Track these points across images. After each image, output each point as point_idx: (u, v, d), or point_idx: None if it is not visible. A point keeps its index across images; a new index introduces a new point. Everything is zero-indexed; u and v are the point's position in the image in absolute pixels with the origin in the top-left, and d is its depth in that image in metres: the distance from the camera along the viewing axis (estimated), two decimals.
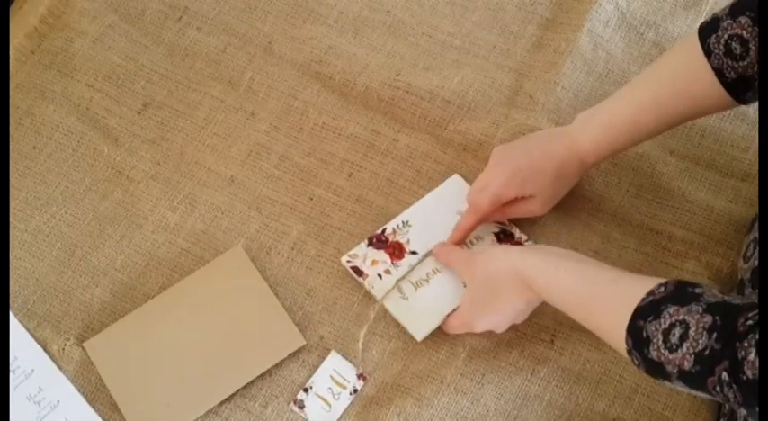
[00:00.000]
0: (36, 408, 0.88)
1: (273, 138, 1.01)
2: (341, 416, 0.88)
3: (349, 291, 0.94)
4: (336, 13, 1.08)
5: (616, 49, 1.05)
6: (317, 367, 0.90)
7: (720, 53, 0.80)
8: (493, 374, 0.89)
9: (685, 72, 0.83)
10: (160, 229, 0.97)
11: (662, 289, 0.68)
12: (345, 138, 1.01)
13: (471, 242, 0.95)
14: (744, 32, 0.78)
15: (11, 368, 0.89)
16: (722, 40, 0.79)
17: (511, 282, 0.82)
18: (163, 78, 1.04)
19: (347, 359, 0.90)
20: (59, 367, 0.90)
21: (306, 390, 0.89)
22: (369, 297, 0.93)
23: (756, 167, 0.98)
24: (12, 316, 0.92)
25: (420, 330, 0.90)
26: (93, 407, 0.89)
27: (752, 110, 1.00)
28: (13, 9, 1.07)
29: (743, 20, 0.78)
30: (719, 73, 0.80)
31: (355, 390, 0.89)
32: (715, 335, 0.62)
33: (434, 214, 0.95)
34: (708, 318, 0.63)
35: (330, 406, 0.88)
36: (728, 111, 1.00)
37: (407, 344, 0.91)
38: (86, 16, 1.06)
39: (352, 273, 0.93)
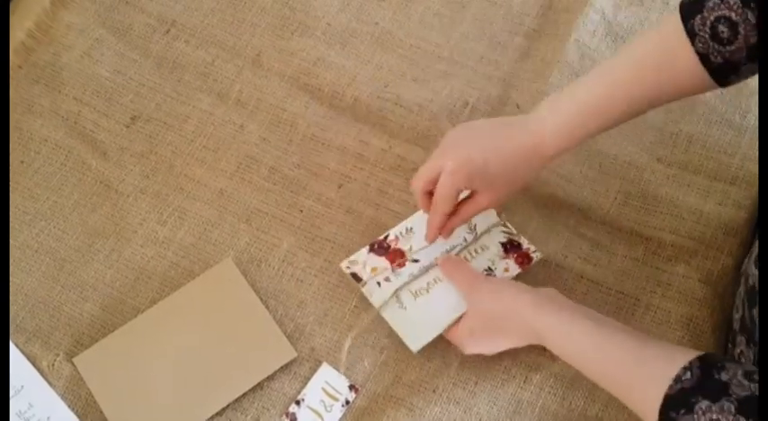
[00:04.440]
0: None
1: (263, 151, 1.01)
2: None
3: (340, 302, 0.93)
4: (324, 24, 1.08)
5: (603, 58, 1.05)
6: (308, 379, 0.90)
7: (706, 37, 0.73)
8: (485, 383, 0.89)
9: (664, 55, 0.77)
10: (149, 243, 0.96)
11: (688, 374, 0.66)
12: (335, 149, 1.01)
13: (476, 251, 0.92)
14: (732, 14, 0.71)
15: None
16: (708, 22, 0.72)
17: (518, 328, 0.81)
18: (151, 91, 1.04)
19: (339, 371, 0.90)
20: (49, 383, 0.89)
21: (298, 403, 0.89)
22: (362, 304, 0.92)
23: (744, 171, 0.98)
24: None
25: (416, 342, 0.88)
26: None
27: (737, 116, 1.01)
28: None
29: None
30: (704, 58, 0.74)
31: (347, 402, 0.89)
32: None
33: None
34: None
35: (322, 418, 0.88)
36: (715, 118, 1.01)
37: (399, 355, 0.91)
38: (74, 30, 1.06)
39: (351, 278, 0.92)
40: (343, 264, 0.92)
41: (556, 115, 0.82)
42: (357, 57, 1.07)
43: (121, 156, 1.01)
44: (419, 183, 0.86)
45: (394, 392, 0.89)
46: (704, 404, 0.63)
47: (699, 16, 0.73)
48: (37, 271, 0.95)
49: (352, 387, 0.89)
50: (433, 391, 0.89)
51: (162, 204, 0.98)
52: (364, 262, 0.92)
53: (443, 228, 0.88)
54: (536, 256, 0.92)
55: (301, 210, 0.98)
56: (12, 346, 0.90)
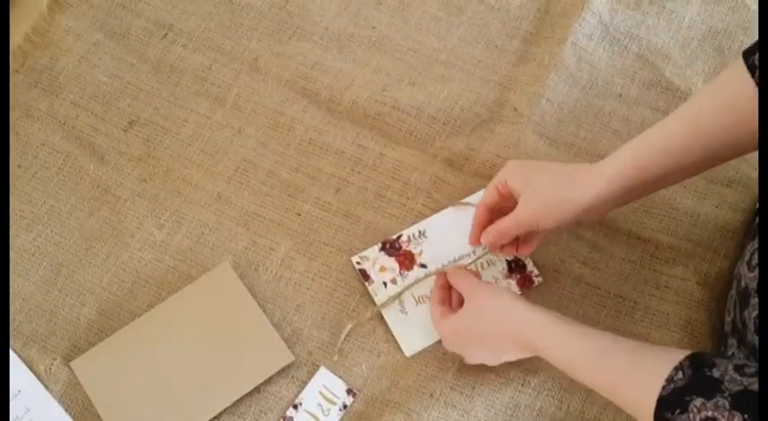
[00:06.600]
0: None
1: (260, 155, 1.01)
2: None
3: (338, 306, 0.93)
4: (322, 29, 1.08)
5: (600, 61, 1.05)
6: (306, 383, 0.90)
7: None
8: (483, 386, 0.89)
9: (726, 90, 0.78)
10: (147, 247, 0.96)
11: (680, 374, 0.66)
12: (332, 153, 1.01)
13: (482, 266, 0.94)
14: None
15: None
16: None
17: (505, 337, 0.81)
18: (149, 96, 1.04)
19: (336, 374, 0.90)
20: (46, 387, 0.89)
21: (295, 407, 0.89)
22: (360, 308, 0.93)
23: (741, 174, 0.98)
24: None
25: (410, 347, 0.91)
26: None
27: None
28: None
29: None
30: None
31: (345, 406, 0.89)
32: None
33: (451, 230, 0.95)
34: (738, 418, 0.61)
35: None
36: None
37: (397, 359, 0.91)
38: (71, 34, 1.06)
39: (359, 275, 0.94)
40: (354, 259, 0.94)
41: (611, 165, 0.83)
42: (354, 61, 1.07)
43: (119, 160, 1.01)
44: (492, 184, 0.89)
45: (391, 397, 0.89)
46: (698, 401, 0.64)
47: (757, 54, 0.74)
48: (34, 275, 0.95)
49: (349, 391, 0.89)
50: (431, 396, 0.88)
51: (159, 208, 0.98)
52: (375, 259, 0.94)
53: (480, 232, 0.89)
54: (538, 281, 0.94)
55: (299, 214, 0.98)
56: (9, 350, 0.90)
